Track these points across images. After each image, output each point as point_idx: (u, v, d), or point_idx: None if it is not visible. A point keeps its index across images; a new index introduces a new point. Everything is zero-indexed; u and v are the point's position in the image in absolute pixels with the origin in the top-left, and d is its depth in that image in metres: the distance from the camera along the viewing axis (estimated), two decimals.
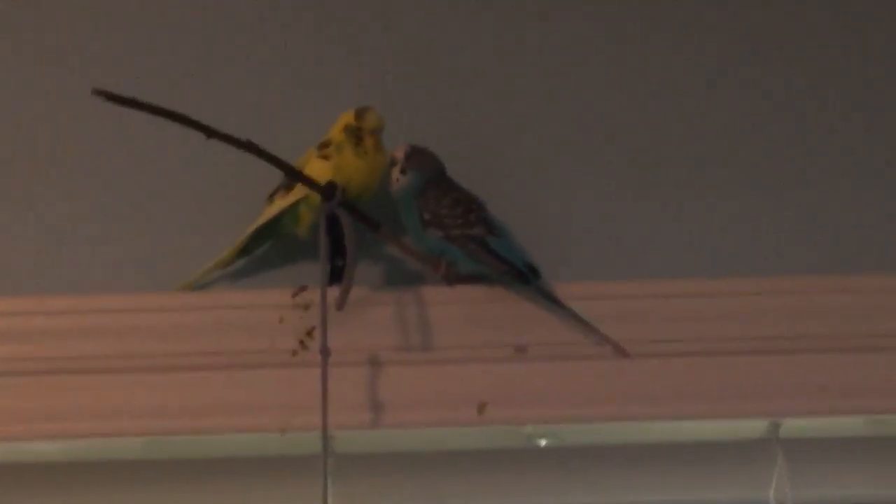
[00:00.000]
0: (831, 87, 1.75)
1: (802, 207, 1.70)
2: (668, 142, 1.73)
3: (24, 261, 1.66)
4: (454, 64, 1.75)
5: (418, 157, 1.63)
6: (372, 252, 1.65)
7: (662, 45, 1.76)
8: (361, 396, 1.58)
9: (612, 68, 1.75)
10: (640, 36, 1.76)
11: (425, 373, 1.59)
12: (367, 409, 1.58)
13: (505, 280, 1.60)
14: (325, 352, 1.52)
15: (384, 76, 1.74)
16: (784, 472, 1.62)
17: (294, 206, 1.62)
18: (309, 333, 1.59)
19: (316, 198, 1.58)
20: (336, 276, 1.58)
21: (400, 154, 1.64)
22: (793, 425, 1.62)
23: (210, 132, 1.50)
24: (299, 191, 1.61)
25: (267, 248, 1.66)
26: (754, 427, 1.63)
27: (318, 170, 1.60)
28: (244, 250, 1.65)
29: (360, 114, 1.63)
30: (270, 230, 1.64)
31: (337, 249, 1.58)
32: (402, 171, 1.63)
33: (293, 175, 1.58)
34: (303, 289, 1.61)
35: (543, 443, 1.65)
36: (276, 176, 1.61)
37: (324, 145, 1.63)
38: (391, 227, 1.62)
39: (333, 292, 1.54)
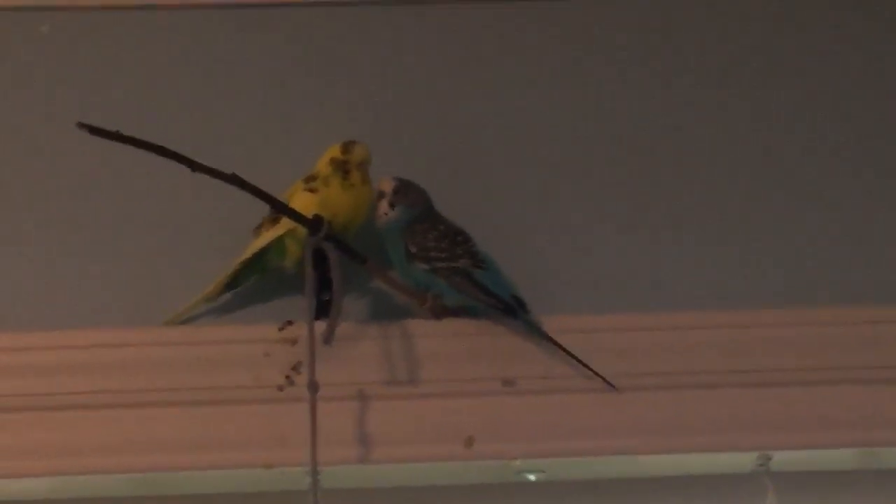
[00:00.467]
0: (810, 125, 1.75)
1: (790, 241, 1.70)
2: (656, 177, 1.72)
3: (8, 296, 1.65)
4: (441, 98, 1.75)
5: (406, 192, 1.63)
6: (359, 286, 1.65)
7: (648, 80, 1.76)
8: (349, 431, 1.57)
9: (600, 103, 1.75)
10: (626, 73, 1.76)
11: (413, 407, 1.58)
12: (355, 445, 1.57)
13: (492, 313, 1.60)
14: (313, 386, 1.51)
15: (371, 110, 1.74)
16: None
17: (280, 240, 1.62)
18: (295, 368, 1.59)
19: (302, 231, 1.58)
20: (323, 310, 1.57)
21: (387, 188, 1.63)
22: (783, 458, 1.61)
23: (195, 165, 1.49)
24: (285, 224, 1.60)
25: (253, 282, 1.65)
26: (744, 460, 1.62)
27: (305, 203, 1.60)
28: (230, 284, 1.64)
29: (346, 147, 1.63)
30: (256, 264, 1.63)
31: (324, 283, 1.57)
32: (391, 206, 1.62)
33: (279, 208, 1.57)
34: (289, 323, 1.60)
35: (532, 477, 1.64)
36: (262, 209, 1.60)
37: (310, 178, 1.63)
38: (377, 260, 1.61)
39: (320, 326, 1.53)
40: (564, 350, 1.58)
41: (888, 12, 1.80)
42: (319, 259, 1.56)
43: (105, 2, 1.76)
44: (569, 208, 1.71)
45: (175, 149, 1.49)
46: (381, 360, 1.59)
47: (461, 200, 1.68)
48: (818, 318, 1.62)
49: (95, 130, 1.45)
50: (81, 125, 1.44)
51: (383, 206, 1.63)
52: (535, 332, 1.59)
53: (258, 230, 1.64)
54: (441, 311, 1.61)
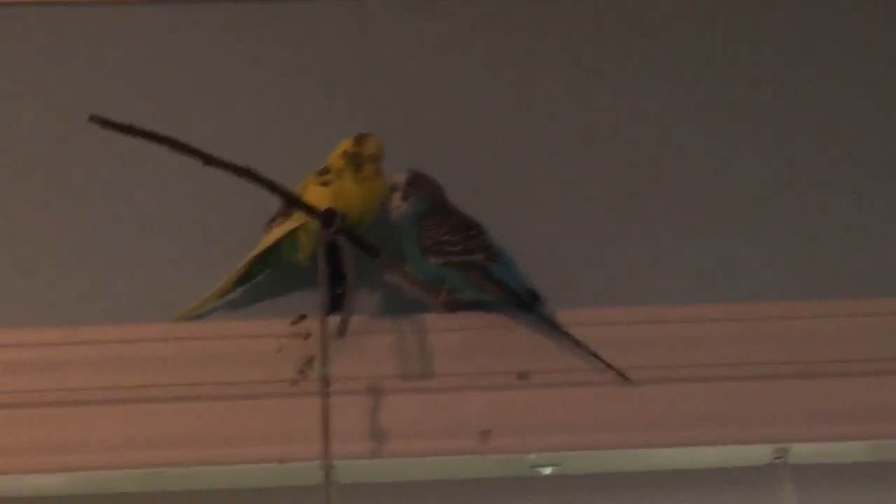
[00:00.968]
0: (824, 117, 1.75)
1: (806, 233, 1.69)
2: (670, 169, 1.72)
3: (21, 292, 1.65)
4: (454, 91, 1.75)
5: (420, 184, 1.62)
6: (372, 279, 1.64)
7: (661, 74, 1.76)
8: (362, 426, 1.57)
9: (615, 96, 1.75)
10: (642, 68, 1.76)
11: (427, 401, 1.58)
12: (369, 439, 1.56)
13: (506, 307, 1.59)
14: (325, 381, 1.51)
15: (383, 103, 1.73)
16: (792, 497, 1.61)
17: (293, 233, 1.61)
18: (308, 362, 1.58)
19: (315, 225, 1.57)
20: (336, 304, 1.56)
21: (401, 180, 1.62)
22: (800, 450, 1.60)
23: (207, 159, 1.49)
24: (298, 218, 1.60)
25: (266, 277, 1.64)
26: (761, 453, 1.61)
27: (317, 196, 1.59)
28: (243, 279, 1.63)
29: (359, 140, 1.62)
30: (269, 258, 1.63)
31: (337, 277, 1.56)
32: (404, 198, 1.62)
33: (292, 201, 1.57)
34: (302, 317, 1.60)
35: (547, 471, 1.63)
36: (275, 203, 1.60)
37: (323, 171, 1.62)
38: (391, 253, 1.61)
39: (333, 320, 1.53)
40: (579, 343, 1.57)
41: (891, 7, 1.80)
42: (332, 253, 1.55)
43: None
44: (582, 201, 1.70)
45: (187, 143, 1.49)
46: (394, 354, 1.59)
47: (474, 193, 1.67)
48: (834, 310, 1.62)
49: (108, 124, 1.44)
50: (94, 118, 1.44)
51: (396, 198, 1.62)
52: (550, 325, 1.58)
53: (271, 224, 1.63)
54: (454, 305, 1.60)
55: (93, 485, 1.61)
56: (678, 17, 1.78)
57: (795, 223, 1.70)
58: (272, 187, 1.53)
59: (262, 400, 1.57)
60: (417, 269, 1.61)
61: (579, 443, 1.57)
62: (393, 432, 1.56)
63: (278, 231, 1.61)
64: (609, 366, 1.57)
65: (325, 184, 1.61)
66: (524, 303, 1.58)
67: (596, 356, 1.57)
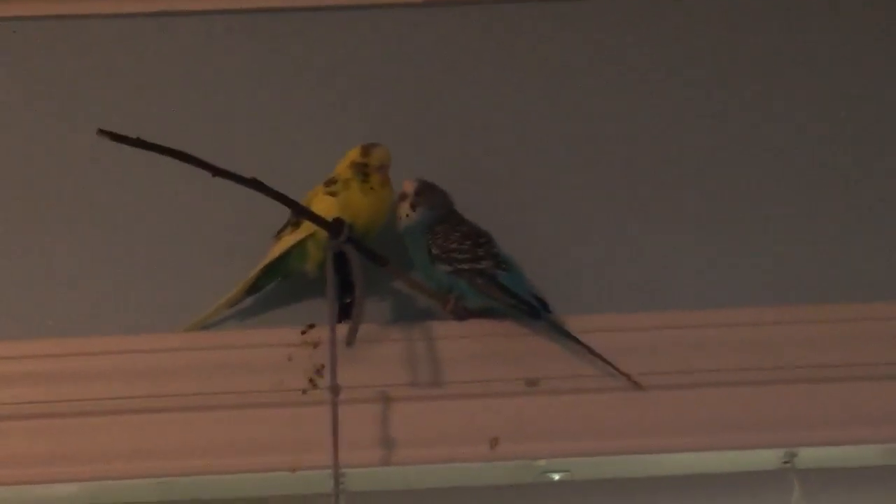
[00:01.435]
0: (829, 123, 1.75)
1: (815, 238, 1.70)
2: (680, 176, 1.72)
3: (34, 304, 1.65)
4: (462, 100, 1.75)
5: (428, 194, 1.63)
6: (380, 288, 1.64)
7: (671, 80, 1.76)
8: (372, 434, 1.57)
9: (623, 104, 1.75)
10: (650, 74, 1.76)
11: (436, 408, 1.58)
12: (379, 447, 1.57)
13: (515, 314, 1.60)
14: (335, 389, 1.51)
15: (391, 112, 1.74)
16: (801, 502, 1.60)
17: (301, 244, 1.62)
18: (318, 371, 1.59)
19: (323, 234, 1.58)
20: (345, 312, 1.57)
21: (410, 189, 1.63)
22: (809, 455, 1.61)
23: (216, 170, 1.49)
24: (306, 228, 1.60)
25: (275, 286, 1.65)
26: (770, 457, 1.61)
27: (325, 206, 1.60)
28: (252, 288, 1.64)
29: (366, 150, 1.63)
30: (278, 268, 1.63)
31: (345, 286, 1.57)
32: (412, 207, 1.62)
33: (300, 212, 1.57)
34: (311, 326, 1.60)
35: (557, 477, 1.64)
36: (284, 213, 1.61)
37: (331, 182, 1.63)
38: (399, 262, 1.61)
39: (342, 329, 1.53)
40: (588, 349, 1.57)
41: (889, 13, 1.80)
42: (341, 262, 1.56)
43: (122, 9, 1.76)
44: (590, 208, 1.70)
45: (195, 154, 1.50)
46: (404, 362, 1.59)
47: (482, 202, 1.68)
48: (843, 314, 1.62)
49: (117, 137, 1.45)
50: (102, 132, 1.44)
51: (405, 207, 1.63)
52: (559, 331, 1.59)
53: (279, 235, 1.64)
54: (463, 313, 1.61)
55: (106, 495, 1.62)
56: (685, 23, 1.79)
57: (807, 229, 1.70)
58: (280, 198, 1.53)
59: (273, 409, 1.58)
60: (426, 277, 1.61)
61: (588, 449, 1.58)
62: (403, 440, 1.57)
63: (287, 241, 1.62)
64: (619, 371, 1.57)
65: (332, 194, 1.61)
66: (533, 310, 1.58)
67: (606, 361, 1.57)
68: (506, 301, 1.58)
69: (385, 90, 1.75)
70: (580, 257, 1.68)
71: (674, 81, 1.76)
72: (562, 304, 1.61)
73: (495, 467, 1.60)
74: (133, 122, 1.57)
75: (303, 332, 1.61)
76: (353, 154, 1.63)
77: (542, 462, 1.60)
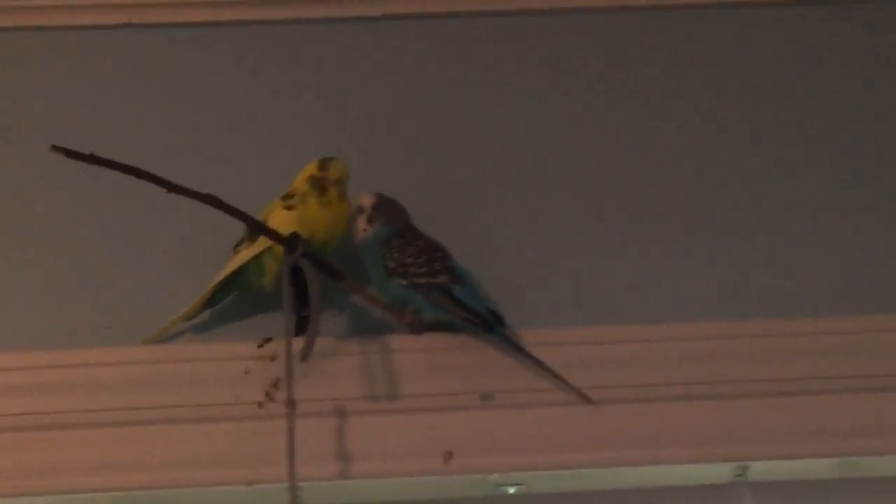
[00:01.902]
0: (810, 142, 1.76)
1: (768, 253, 1.70)
2: (633, 190, 1.73)
3: None
4: (419, 114, 1.76)
5: (385, 208, 1.63)
6: (337, 302, 1.65)
7: (630, 95, 1.77)
8: (328, 447, 1.58)
9: (580, 118, 1.76)
10: (608, 89, 1.77)
11: (392, 422, 1.59)
12: (335, 460, 1.57)
13: (470, 328, 1.60)
14: (291, 403, 1.52)
15: (348, 127, 1.74)
16: None
17: (258, 258, 1.62)
18: (275, 384, 1.59)
19: (280, 248, 1.58)
20: (301, 326, 1.58)
21: (367, 203, 1.64)
22: (761, 468, 1.61)
23: (170, 186, 1.50)
24: (263, 242, 1.61)
25: (232, 300, 1.65)
26: (722, 471, 1.62)
27: (282, 220, 1.60)
28: (209, 302, 1.64)
29: (323, 164, 1.63)
30: (235, 281, 1.64)
31: (302, 300, 1.58)
32: (369, 221, 1.63)
33: (256, 227, 1.58)
34: (268, 340, 1.61)
35: (511, 490, 1.64)
36: (241, 227, 1.61)
37: (288, 196, 1.63)
38: (356, 275, 1.62)
39: (299, 343, 1.54)
40: (541, 364, 1.58)
41: (885, 25, 1.81)
42: (297, 276, 1.57)
43: (83, 21, 1.77)
44: (545, 222, 1.71)
45: (152, 167, 1.50)
46: (359, 376, 1.60)
47: (438, 216, 1.69)
48: (795, 328, 1.63)
49: (70, 153, 1.45)
50: (56, 148, 1.45)
51: (362, 221, 1.63)
52: (513, 346, 1.59)
53: (237, 248, 1.64)
54: (419, 327, 1.61)
55: None
56: (669, 34, 1.80)
57: (758, 243, 1.71)
58: (235, 214, 1.54)
59: (230, 423, 1.59)
60: (382, 291, 1.62)
61: (542, 463, 1.58)
62: (358, 454, 1.58)
63: (244, 255, 1.63)
64: (571, 386, 1.58)
65: (289, 208, 1.62)
66: (487, 324, 1.59)
67: (558, 377, 1.58)
68: (461, 315, 1.59)
69: (343, 104, 1.76)
70: (534, 272, 1.68)
71: (640, 97, 1.77)
72: (516, 318, 1.62)
73: (450, 481, 1.60)
74: (89, 136, 1.58)
75: (259, 346, 1.61)
76: (311, 168, 1.64)
77: (496, 476, 1.61)
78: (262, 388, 1.60)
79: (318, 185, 1.62)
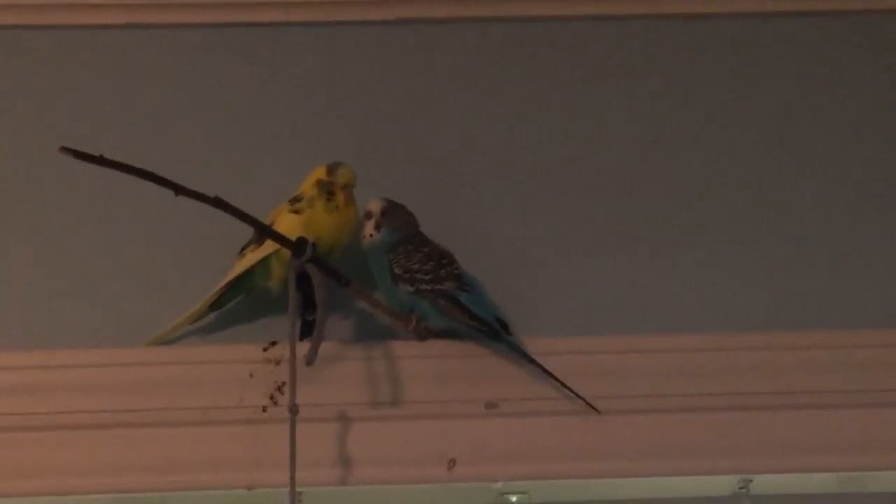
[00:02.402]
0: (801, 149, 1.76)
1: (772, 266, 1.70)
2: (641, 201, 1.73)
3: None
4: (428, 120, 1.76)
5: (393, 214, 1.63)
6: (343, 307, 1.65)
7: (636, 103, 1.77)
8: (331, 453, 1.58)
9: (588, 126, 1.76)
10: (615, 97, 1.77)
11: (395, 429, 1.59)
12: (337, 466, 1.57)
13: (475, 335, 1.60)
14: (293, 409, 1.51)
15: (356, 132, 1.74)
16: None
17: (265, 261, 1.62)
18: (279, 388, 1.59)
19: (287, 253, 1.58)
20: (307, 330, 1.58)
21: (375, 209, 1.63)
22: (764, 481, 1.61)
23: (178, 189, 1.49)
24: (270, 245, 1.61)
25: (238, 303, 1.65)
26: (725, 484, 1.62)
27: (289, 224, 1.60)
28: (215, 305, 1.64)
29: (331, 169, 1.63)
30: (242, 284, 1.64)
31: (308, 304, 1.58)
32: (377, 227, 1.62)
33: (263, 231, 1.58)
34: (273, 344, 1.61)
35: (514, 499, 1.64)
36: (248, 231, 1.60)
37: (295, 200, 1.63)
38: (363, 281, 1.62)
39: (304, 347, 1.54)
40: (547, 372, 1.58)
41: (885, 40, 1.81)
42: (304, 280, 1.56)
43: (90, 21, 1.76)
44: (553, 231, 1.71)
45: (160, 171, 1.50)
46: (364, 382, 1.60)
47: (447, 223, 1.69)
48: (800, 342, 1.63)
49: (79, 154, 1.45)
50: (65, 150, 1.44)
51: (369, 227, 1.63)
52: (519, 354, 1.59)
53: (244, 251, 1.64)
54: (425, 333, 1.61)
55: None
56: (666, 38, 1.80)
57: (765, 256, 1.70)
58: (243, 217, 1.53)
59: (233, 426, 1.59)
60: (388, 297, 1.62)
61: (546, 472, 1.58)
62: (361, 460, 1.58)
63: (251, 258, 1.62)
64: (577, 395, 1.58)
65: (297, 211, 1.62)
66: (493, 332, 1.59)
67: (564, 385, 1.58)
68: (467, 322, 1.59)
69: (352, 109, 1.75)
70: (541, 281, 1.68)
71: (637, 105, 1.77)
72: (522, 326, 1.61)
73: (453, 488, 1.60)
74: (96, 139, 1.57)
75: (264, 349, 1.61)
76: (319, 172, 1.64)
77: (500, 484, 1.60)
78: (266, 392, 1.59)
79: (326, 189, 1.62)
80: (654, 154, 1.75)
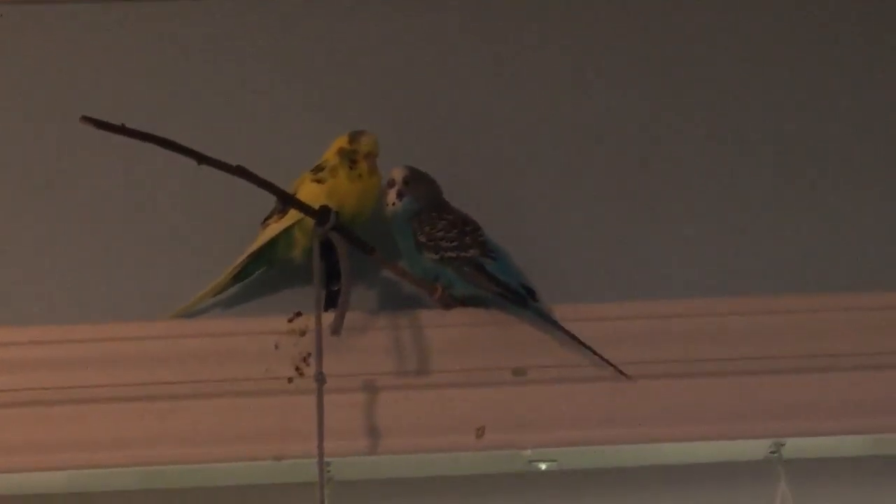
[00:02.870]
0: (822, 113, 1.75)
1: (798, 227, 1.69)
2: (667, 164, 1.72)
3: (17, 291, 1.65)
4: (450, 88, 1.75)
5: (416, 182, 1.62)
6: (367, 276, 1.64)
7: (654, 73, 1.76)
8: (358, 422, 1.57)
9: (611, 94, 1.75)
10: (633, 66, 1.76)
11: (422, 397, 1.57)
12: (365, 436, 1.56)
13: (502, 303, 1.59)
14: (320, 378, 1.50)
15: (380, 99, 1.73)
16: (787, 492, 1.60)
17: (288, 231, 1.61)
18: (305, 359, 1.58)
19: (310, 222, 1.57)
20: (331, 300, 1.57)
21: (398, 176, 1.62)
22: (795, 445, 1.60)
23: (201, 158, 1.48)
24: (293, 215, 1.60)
25: (261, 274, 1.64)
26: (756, 448, 1.61)
27: (312, 193, 1.59)
28: (239, 276, 1.63)
29: (354, 137, 1.62)
30: (265, 255, 1.63)
31: (332, 274, 1.57)
32: (399, 196, 1.61)
33: (286, 199, 1.57)
34: (298, 314, 1.60)
35: (543, 466, 1.63)
36: (270, 201, 1.60)
37: (318, 169, 1.62)
38: (386, 250, 1.61)
39: (329, 317, 1.53)
40: (575, 338, 1.57)
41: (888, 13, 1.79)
42: (327, 250, 1.55)
43: None
44: (578, 196, 1.70)
45: (182, 140, 1.49)
46: (390, 351, 1.59)
47: (470, 190, 1.68)
48: (831, 303, 1.61)
49: (100, 124, 1.44)
50: (86, 119, 1.43)
51: (392, 195, 1.62)
52: (546, 320, 1.58)
53: (267, 221, 1.63)
54: (450, 301, 1.60)
55: (92, 482, 1.61)
56: (673, 14, 1.78)
57: (792, 218, 1.70)
58: (266, 186, 1.52)
59: (260, 397, 1.57)
60: (413, 265, 1.61)
61: (575, 438, 1.57)
62: (389, 429, 1.56)
63: (274, 228, 1.61)
64: (606, 361, 1.57)
65: (319, 181, 1.61)
66: (520, 298, 1.57)
67: (593, 351, 1.57)
68: (493, 289, 1.58)
69: (374, 77, 1.74)
70: (568, 246, 1.67)
71: (662, 75, 1.76)
72: (549, 293, 1.60)
73: (482, 457, 1.59)
74: (118, 110, 1.56)
75: (289, 321, 1.60)
76: (341, 141, 1.63)
77: (529, 452, 1.59)
78: (291, 363, 1.58)
79: (349, 157, 1.61)
80: (679, 118, 1.73)
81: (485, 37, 1.76)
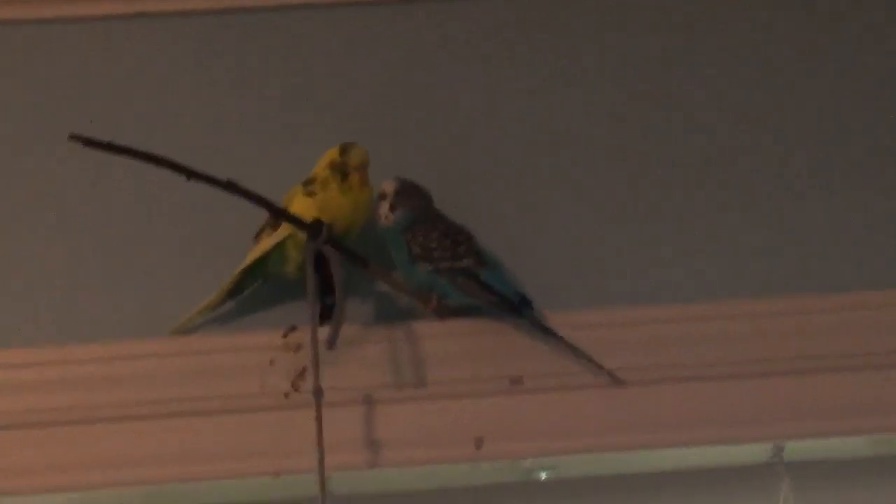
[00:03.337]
0: (820, 114, 1.74)
1: (796, 228, 1.69)
2: (660, 170, 1.71)
3: (12, 312, 1.64)
4: (439, 97, 1.74)
5: (408, 193, 1.61)
6: (361, 288, 1.63)
7: (647, 76, 1.75)
8: (356, 436, 1.56)
9: (602, 99, 1.74)
10: (624, 69, 1.75)
11: (420, 409, 1.57)
12: (363, 449, 1.56)
13: (497, 312, 1.58)
14: (318, 392, 1.50)
15: (369, 111, 1.73)
16: (790, 495, 1.60)
17: (281, 245, 1.60)
18: (301, 374, 1.58)
19: (303, 236, 1.56)
20: (326, 314, 1.56)
21: (389, 189, 1.62)
22: (797, 448, 1.60)
23: (190, 173, 1.48)
24: (285, 229, 1.59)
25: (255, 289, 1.64)
26: (758, 451, 1.60)
27: (304, 207, 1.59)
28: (232, 291, 1.63)
29: (344, 150, 1.62)
30: (258, 270, 1.62)
31: (326, 287, 1.56)
32: (392, 207, 1.61)
33: (277, 213, 1.56)
34: (293, 329, 1.59)
35: (543, 475, 1.63)
36: (262, 215, 1.59)
37: (309, 182, 1.62)
38: (380, 261, 1.60)
39: (324, 331, 1.52)
40: (571, 346, 1.56)
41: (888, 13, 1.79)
42: (321, 263, 1.55)
43: (99, 11, 1.75)
44: (571, 203, 1.69)
45: (171, 157, 1.48)
46: (386, 363, 1.58)
47: (462, 199, 1.67)
48: (828, 305, 1.61)
49: (89, 142, 1.44)
50: (74, 137, 1.43)
51: (385, 207, 1.61)
52: (541, 329, 1.57)
53: (258, 236, 1.62)
54: (445, 312, 1.60)
55: (90, 503, 1.60)
56: (667, 13, 1.78)
57: (787, 221, 1.69)
58: (257, 200, 1.52)
59: (256, 413, 1.57)
60: (407, 276, 1.60)
61: (574, 447, 1.57)
62: (387, 442, 1.56)
63: (266, 243, 1.61)
64: (602, 368, 1.56)
65: (310, 194, 1.60)
66: (515, 307, 1.57)
67: (588, 358, 1.56)
68: (488, 299, 1.57)
69: (363, 89, 1.74)
70: (561, 253, 1.67)
71: (655, 79, 1.75)
72: (544, 301, 1.60)
73: (481, 467, 1.59)
74: (108, 126, 1.56)
75: (284, 336, 1.59)
76: (332, 154, 1.62)
77: (528, 461, 1.59)
78: (287, 378, 1.58)
79: (340, 170, 1.61)
80: (671, 124, 1.73)
81: (472, 44, 1.76)
